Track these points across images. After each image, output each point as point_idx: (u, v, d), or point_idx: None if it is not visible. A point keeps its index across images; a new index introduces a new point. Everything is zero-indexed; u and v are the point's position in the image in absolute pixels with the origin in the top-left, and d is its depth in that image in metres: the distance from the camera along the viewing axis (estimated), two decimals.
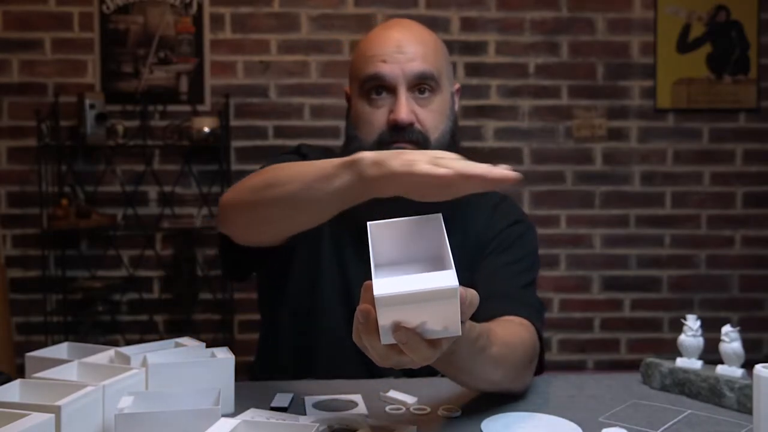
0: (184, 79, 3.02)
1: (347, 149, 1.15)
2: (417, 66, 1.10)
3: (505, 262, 1.14)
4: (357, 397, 0.96)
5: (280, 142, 3.05)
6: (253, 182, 1.01)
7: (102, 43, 2.98)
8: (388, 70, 1.10)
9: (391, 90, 1.11)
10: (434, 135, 1.12)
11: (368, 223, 0.71)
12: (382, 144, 1.10)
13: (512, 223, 1.20)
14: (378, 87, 1.11)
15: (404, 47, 1.11)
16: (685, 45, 3.14)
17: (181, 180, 3.02)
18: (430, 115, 1.12)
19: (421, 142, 1.10)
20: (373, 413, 0.90)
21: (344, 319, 1.16)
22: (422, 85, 1.11)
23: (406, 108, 1.09)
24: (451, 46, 3.02)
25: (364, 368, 1.11)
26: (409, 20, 1.20)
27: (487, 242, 1.18)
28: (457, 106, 1.21)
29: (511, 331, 0.96)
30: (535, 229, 1.24)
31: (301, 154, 1.23)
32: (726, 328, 0.95)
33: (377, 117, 1.11)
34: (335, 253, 1.18)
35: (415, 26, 1.17)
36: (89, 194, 2.99)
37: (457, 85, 1.22)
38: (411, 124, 1.09)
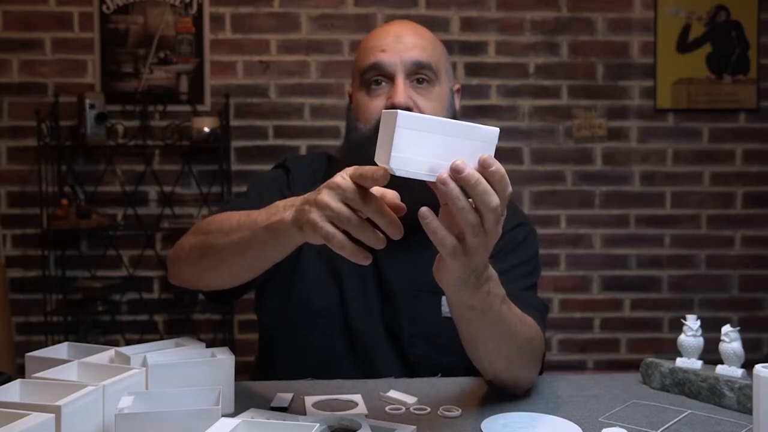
0: (184, 79, 3.02)
1: (347, 141, 1.18)
2: (415, 55, 1.12)
3: (510, 264, 1.14)
4: (357, 397, 0.96)
5: (280, 142, 3.05)
6: (191, 244, 1.03)
7: (102, 43, 2.98)
8: (386, 58, 1.12)
9: (390, 78, 1.12)
10: None
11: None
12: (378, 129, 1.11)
13: (515, 226, 1.20)
14: (377, 77, 1.13)
15: (402, 38, 1.14)
16: (685, 45, 3.14)
17: (181, 180, 3.02)
18: (428, 103, 1.12)
19: None
20: (373, 413, 0.90)
21: (339, 326, 1.16)
22: (420, 74, 1.12)
23: (403, 92, 1.10)
24: (451, 46, 3.02)
25: (359, 372, 1.11)
26: (410, 20, 1.22)
27: None
28: (458, 105, 1.21)
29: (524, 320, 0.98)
30: (536, 233, 1.24)
31: (285, 168, 1.26)
32: (726, 328, 0.95)
33: (375, 104, 1.13)
34: (327, 263, 1.18)
35: (414, 23, 1.20)
36: (89, 194, 2.99)
37: (457, 85, 1.23)
38: (409, 109, 1.09)
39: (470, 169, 0.70)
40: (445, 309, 1.15)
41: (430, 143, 0.70)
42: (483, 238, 0.73)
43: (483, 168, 0.71)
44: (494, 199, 0.71)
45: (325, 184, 0.77)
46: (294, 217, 0.80)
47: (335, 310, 1.16)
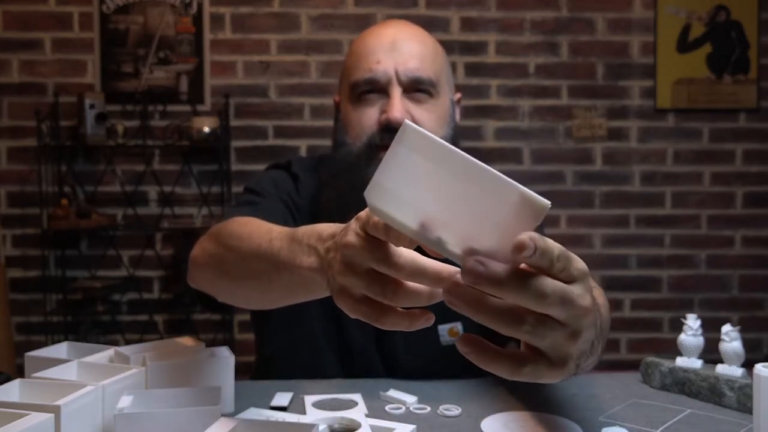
0: (184, 79, 3.02)
1: (335, 157, 1.07)
2: (413, 67, 1.01)
3: None
4: (357, 397, 0.96)
5: (280, 142, 3.05)
6: (209, 252, 0.89)
7: (102, 43, 2.98)
8: (381, 70, 1.00)
9: (384, 90, 1.01)
10: None
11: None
12: (371, 148, 1.01)
13: None
14: (370, 90, 1.02)
15: (399, 45, 1.02)
16: (685, 45, 3.14)
17: (181, 180, 3.02)
18: (427, 115, 1.02)
19: None
20: (373, 413, 0.90)
21: (337, 355, 1.12)
22: (419, 87, 1.02)
23: (399, 106, 0.99)
24: (451, 46, 3.02)
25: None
26: (407, 21, 1.11)
27: None
28: (458, 116, 1.12)
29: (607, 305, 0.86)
30: None
31: (292, 173, 1.14)
32: (726, 328, 0.95)
33: (368, 117, 1.01)
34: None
35: (410, 25, 1.08)
36: (89, 194, 2.99)
37: (458, 95, 1.13)
38: None
39: (489, 266, 0.44)
40: (444, 338, 1.09)
41: (439, 186, 0.45)
42: (560, 331, 0.47)
43: (516, 252, 0.44)
44: (546, 290, 0.45)
45: (341, 241, 0.57)
46: (322, 273, 0.62)
47: (333, 338, 1.11)
